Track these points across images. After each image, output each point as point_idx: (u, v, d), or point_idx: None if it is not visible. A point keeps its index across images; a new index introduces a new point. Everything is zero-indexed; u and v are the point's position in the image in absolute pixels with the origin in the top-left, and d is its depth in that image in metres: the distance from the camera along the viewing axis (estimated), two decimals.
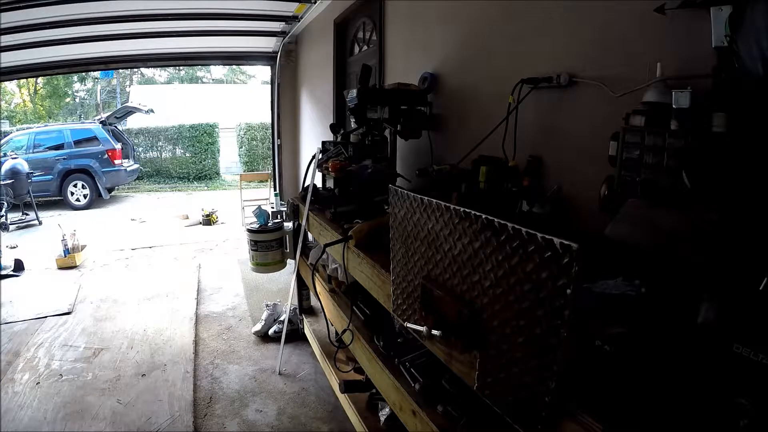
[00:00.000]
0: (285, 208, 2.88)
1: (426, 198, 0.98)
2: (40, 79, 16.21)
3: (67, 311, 3.50)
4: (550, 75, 1.47)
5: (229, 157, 13.07)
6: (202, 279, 4.30)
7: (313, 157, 2.52)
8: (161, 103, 12.92)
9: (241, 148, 12.64)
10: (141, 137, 12.20)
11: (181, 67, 19.08)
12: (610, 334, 0.81)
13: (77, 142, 8.76)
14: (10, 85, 15.47)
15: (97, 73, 15.58)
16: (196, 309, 3.56)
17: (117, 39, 4.05)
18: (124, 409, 2.26)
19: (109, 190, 9.24)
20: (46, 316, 3.39)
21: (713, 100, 0.92)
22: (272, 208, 3.33)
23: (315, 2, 3.78)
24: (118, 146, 9.01)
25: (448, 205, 0.91)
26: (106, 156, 8.74)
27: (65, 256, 4.63)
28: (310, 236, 2.60)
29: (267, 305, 3.18)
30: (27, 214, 7.05)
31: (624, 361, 0.75)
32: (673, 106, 0.96)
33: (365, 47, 3.39)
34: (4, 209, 6.59)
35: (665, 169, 0.98)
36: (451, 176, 1.75)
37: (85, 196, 8.64)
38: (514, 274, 0.75)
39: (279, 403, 2.34)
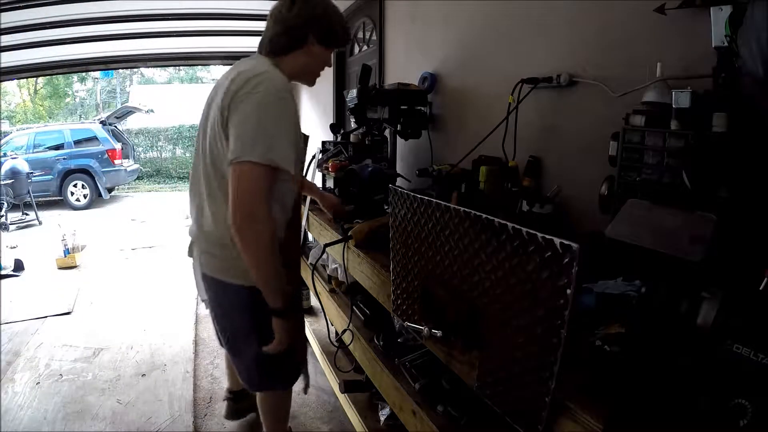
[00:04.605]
0: None
1: (426, 198, 0.98)
2: (40, 79, 16.21)
3: (67, 311, 3.50)
4: (550, 75, 1.47)
5: None
6: None
7: (313, 157, 2.52)
8: (161, 103, 12.92)
9: None
10: (141, 137, 12.20)
11: (181, 67, 19.07)
12: (610, 334, 0.81)
13: (77, 142, 8.75)
14: (10, 85, 15.46)
15: (97, 73, 15.59)
16: (196, 309, 3.56)
17: (117, 39, 4.05)
18: (124, 409, 2.25)
19: (109, 190, 9.24)
20: (46, 316, 3.39)
21: (713, 100, 0.92)
22: None
23: None
24: (118, 146, 9.01)
25: (448, 205, 0.91)
26: (106, 156, 8.74)
27: (65, 256, 4.62)
28: (310, 236, 2.60)
29: None
30: (27, 214, 7.05)
31: (624, 361, 0.75)
32: (673, 106, 0.96)
33: (365, 47, 3.39)
34: (4, 209, 6.59)
35: (665, 169, 0.98)
36: (451, 176, 1.75)
37: (85, 196, 8.63)
38: (515, 274, 0.75)
39: None
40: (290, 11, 1.31)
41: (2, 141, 8.72)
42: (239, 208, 1.16)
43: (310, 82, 1.47)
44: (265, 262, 1.22)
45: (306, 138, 1.54)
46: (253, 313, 1.37)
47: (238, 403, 2.10)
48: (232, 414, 2.10)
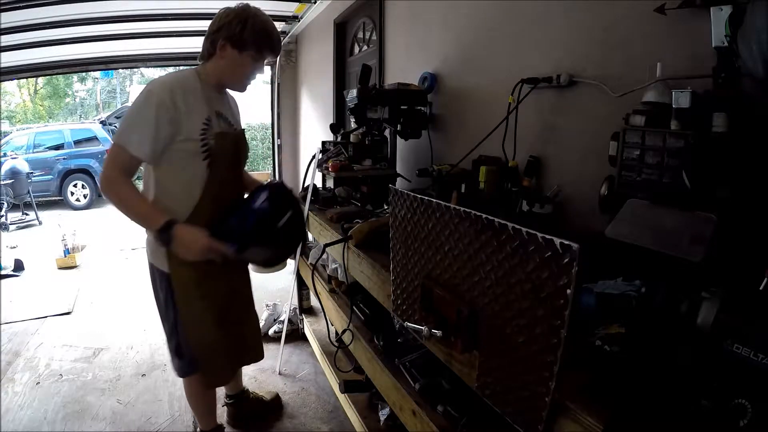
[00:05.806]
0: None
1: (426, 198, 0.98)
2: (40, 79, 16.20)
3: (67, 311, 3.50)
4: (550, 75, 1.47)
5: None
6: None
7: (313, 157, 2.52)
8: None
9: None
10: None
11: (181, 67, 19.06)
12: (610, 334, 0.81)
13: (77, 142, 8.75)
14: (10, 85, 15.45)
15: (97, 73, 15.59)
16: None
17: (117, 39, 4.05)
18: (124, 409, 2.26)
19: None
20: (46, 316, 3.39)
21: (713, 100, 0.92)
22: None
23: (315, 2, 3.79)
24: None
25: (448, 205, 0.91)
26: (106, 156, 8.73)
27: (65, 256, 4.63)
28: (310, 236, 2.60)
29: (267, 305, 3.18)
30: (27, 214, 7.05)
31: (624, 361, 0.75)
32: (673, 106, 0.96)
33: (365, 47, 3.39)
34: (4, 209, 6.59)
35: (665, 169, 0.98)
36: (451, 176, 1.75)
37: (85, 196, 8.64)
38: (515, 274, 0.75)
39: None
40: (212, 21, 1.52)
41: (2, 141, 8.72)
42: (101, 176, 1.45)
43: (239, 88, 1.61)
44: (128, 211, 1.45)
45: (223, 133, 1.50)
46: (165, 293, 1.57)
47: (236, 408, 2.11)
48: (232, 418, 2.12)
